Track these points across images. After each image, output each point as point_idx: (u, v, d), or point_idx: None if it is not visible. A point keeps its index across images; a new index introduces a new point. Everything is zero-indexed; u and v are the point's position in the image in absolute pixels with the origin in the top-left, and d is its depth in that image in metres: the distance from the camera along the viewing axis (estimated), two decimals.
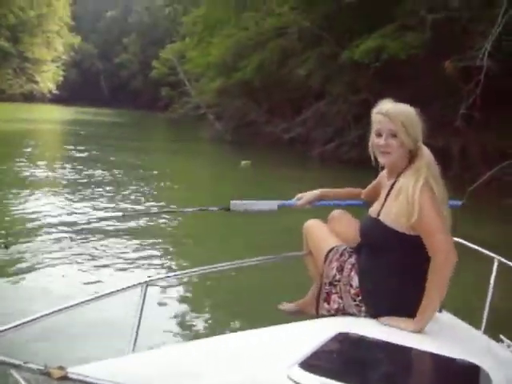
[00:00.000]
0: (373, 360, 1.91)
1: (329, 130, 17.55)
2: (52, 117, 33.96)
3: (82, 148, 17.05)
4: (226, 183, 11.90)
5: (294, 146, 18.74)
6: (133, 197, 9.59)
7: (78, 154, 15.67)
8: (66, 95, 56.28)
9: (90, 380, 1.34)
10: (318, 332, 2.03)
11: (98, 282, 5.17)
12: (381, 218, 2.47)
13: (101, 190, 10.08)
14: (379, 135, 2.50)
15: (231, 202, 3.13)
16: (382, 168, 2.65)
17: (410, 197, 2.32)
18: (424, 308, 2.28)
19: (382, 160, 2.52)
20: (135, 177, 11.95)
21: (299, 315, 2.95)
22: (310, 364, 1.66)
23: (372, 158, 2.58)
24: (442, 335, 2.26)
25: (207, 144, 23.38)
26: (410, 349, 1.94)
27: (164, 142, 22.54)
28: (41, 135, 23.31)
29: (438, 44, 12.92)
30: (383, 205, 2.51)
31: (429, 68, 13.21)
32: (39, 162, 13.21)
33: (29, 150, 16.23)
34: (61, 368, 1.35)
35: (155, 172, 13.20)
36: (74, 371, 1.38)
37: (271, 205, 3.14)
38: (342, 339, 1.99)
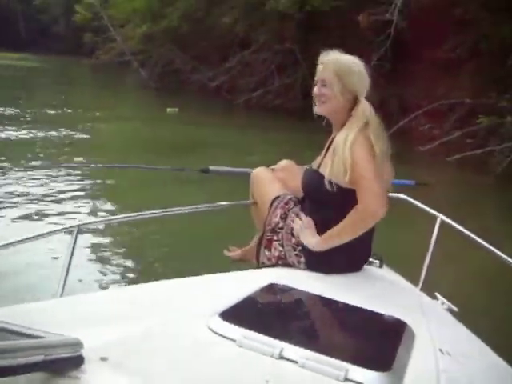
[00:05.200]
0: (298, 312, 1.90)
1: (254, 78, 17.83)
2: None
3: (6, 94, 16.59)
4: (155, 130, 11.90)
5: (220, 94, 18.86)
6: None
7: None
8: None
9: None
10: (249, 282, 1.98)
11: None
12: (320, 170, 2.43)
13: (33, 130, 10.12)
14: (316, 83, 2.46)
15: (210, 167, 3.26)
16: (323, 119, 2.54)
17: (342, 154, 2.29)
18: (331, 237, 2.33)
19: (316, 110, 2.47)
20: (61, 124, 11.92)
21: (243, 262, 2.91)
22: (232, 314, 1.61)
23: (314, 110, 2.52)
24: (377, 290, 2.26)
25: (132, 91, 23.04)
26: (338, 302, 1.91)
27: (89, 89, 22.07)
28: None
29: None
30: (323, 158, 2.49)
31: (352, 21, 13.68)
32: None
33: None
34: None
35: (82, 120, 12.98)
36: None
37: (246, 171, 3.11)
38: (272, 290, 1.96)
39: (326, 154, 2.49)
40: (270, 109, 15.85)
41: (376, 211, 2.24)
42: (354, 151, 2.28)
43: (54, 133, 10.48)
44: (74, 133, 10.70)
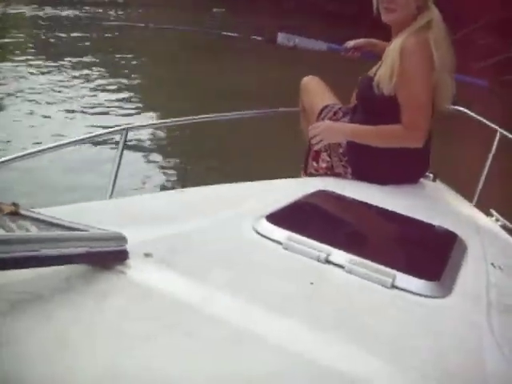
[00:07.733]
0: (345, 218, 1.86)
1: None
2: None
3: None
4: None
5: None
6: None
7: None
8: None
9: (42, 218, 1.14)
10: (297, 189, 1.93)
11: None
12: (375, 78, 2.21)
13: None
14: None
15: (279, 33, 2.94)
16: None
17: (392, 58, 2.10)
18: (358, 133, 2.25)
19: (384, 17, 2.19)
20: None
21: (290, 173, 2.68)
22: (279, 218, 1.57)
23: (374, 11, 2.26)
24: (429, 203, 2.19)
25: None
26: (387, 211, 1.85)
27: None
28: None
29: None
30: (380, 65, 2.26)
31: None
32: None
33: None
34: (14, 204, 1.14)
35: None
36: (32, 210, 1.20)
37: (320, 45, 2.97)
38: (320, 196, 1.91)
39: (382, 61, 2.25)
40: (323, 14, 14.42)
41: (414, 143, 2.14)
42: (404, 54, 2.07)
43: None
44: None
